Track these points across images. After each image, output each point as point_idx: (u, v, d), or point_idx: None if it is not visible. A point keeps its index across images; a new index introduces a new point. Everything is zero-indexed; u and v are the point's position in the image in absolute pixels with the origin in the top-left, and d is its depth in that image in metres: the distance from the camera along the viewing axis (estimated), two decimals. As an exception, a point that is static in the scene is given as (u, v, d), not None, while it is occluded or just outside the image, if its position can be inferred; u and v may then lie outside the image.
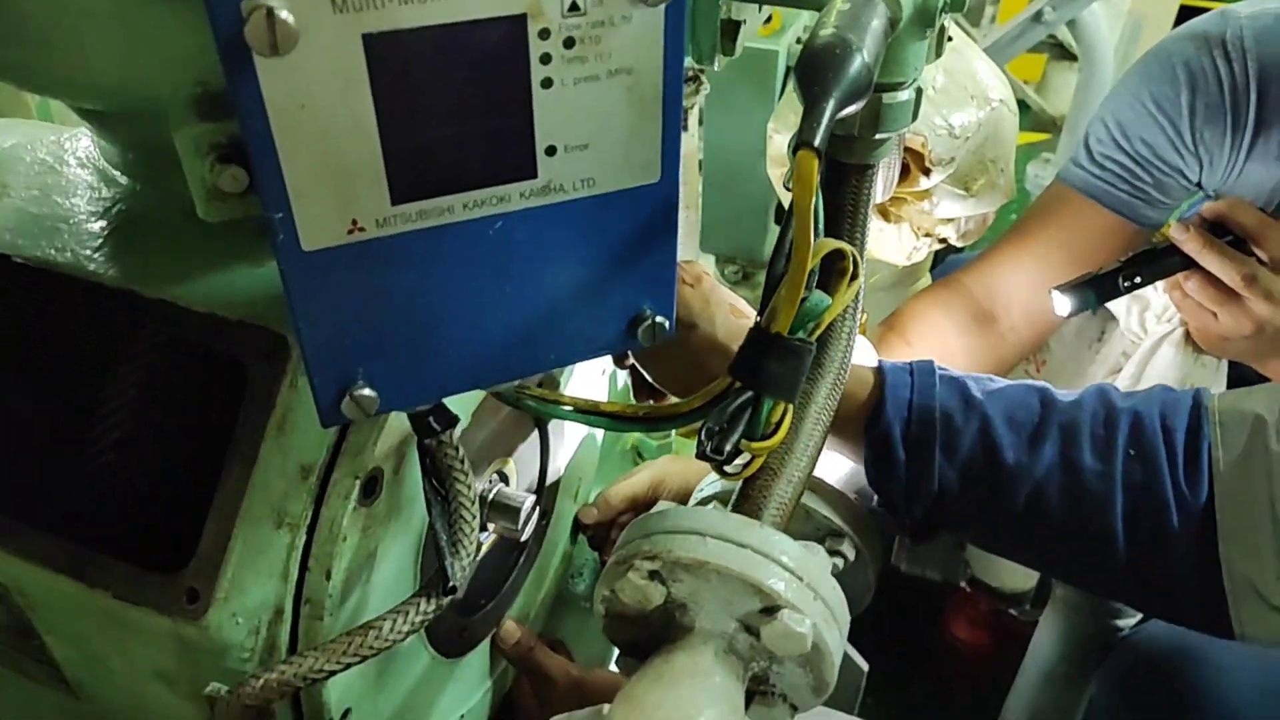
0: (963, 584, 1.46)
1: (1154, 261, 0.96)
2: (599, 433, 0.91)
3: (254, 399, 0.56)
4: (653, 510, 0.51)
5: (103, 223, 0.65)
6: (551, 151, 0.43)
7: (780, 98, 1.16)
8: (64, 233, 0.64)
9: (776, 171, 0.91)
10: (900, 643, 1.49)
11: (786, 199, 0.96)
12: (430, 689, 0.73)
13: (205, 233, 0.64)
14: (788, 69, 1.23)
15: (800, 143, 0.44)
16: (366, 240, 0.42)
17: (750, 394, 0.54)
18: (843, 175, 0.60)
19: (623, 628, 0.50)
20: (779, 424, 0.55)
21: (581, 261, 0.48)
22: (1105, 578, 0.63)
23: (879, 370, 0.68)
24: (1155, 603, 0.64)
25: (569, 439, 0.84)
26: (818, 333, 0.54)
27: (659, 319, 0.51)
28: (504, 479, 0.76)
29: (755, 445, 0.54)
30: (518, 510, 0.70)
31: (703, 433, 0.54)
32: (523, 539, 0.77)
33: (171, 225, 0.65)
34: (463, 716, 0.78)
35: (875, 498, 0.73)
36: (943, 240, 0.95)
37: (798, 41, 1.24)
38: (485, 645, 0.81)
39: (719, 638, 0.47)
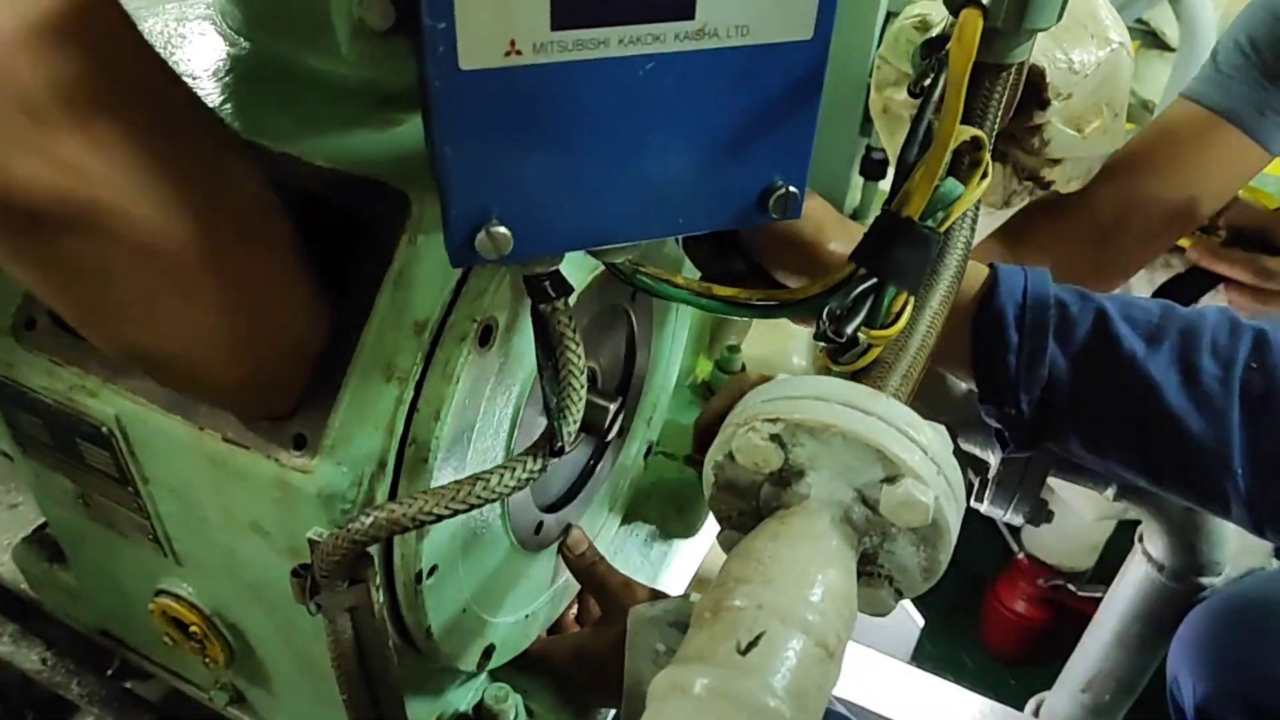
0: (1019, 555, 1.44)
1: (1185, 284, 1.01)
2: (676, 361, 0.91)
3: (372, 254, 0.56)
4: (771, 381, 0.50)
5: (226, 80, 0.66)
6: (712, -9, 0.42)
7: (877, 44, 1.14)
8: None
9: (884, 96, 0.90)
10: (949, 610, 1.47)
11: (890, 132, 0.94)
12: (503, 577, 0.73)
13: (325, 99, 0.65)
14: (888, 14, 1.21)
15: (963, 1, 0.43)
16: (521, 66, 0.42)
17: (874, 281, 0.53)
18: (976, 74, 0.59)
19: (730, 499, 0.50)
20: (899, 315, 0.54)
21: (723, 117, 0.47)
22: (1210, 487, 0.61)
23: (990, 266, 0.67)
24: (1264, 515, 0.62)
25: (655, 353, 0.84)
26: (947, 223, 0.53)
27: (792, 189, 0.50)
28: (592, 380, 0.76)
29: (874, 334, 0.54)
30: (606, 409, 0.70)
31: (824, 314, 0.53)
32: (608, 439, 0.77)
33: (292, 90, 0.66)
34: (528, 616, 0.79)
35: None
36: (1045, 186, 0.93)
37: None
38: (553, 555, 0.81)
39: (835, 506, 0.46)
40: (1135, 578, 0.88)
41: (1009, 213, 1.00)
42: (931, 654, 1.34)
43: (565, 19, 0.41)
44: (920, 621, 1.23)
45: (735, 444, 0.46)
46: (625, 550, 0.98)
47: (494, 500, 0.52)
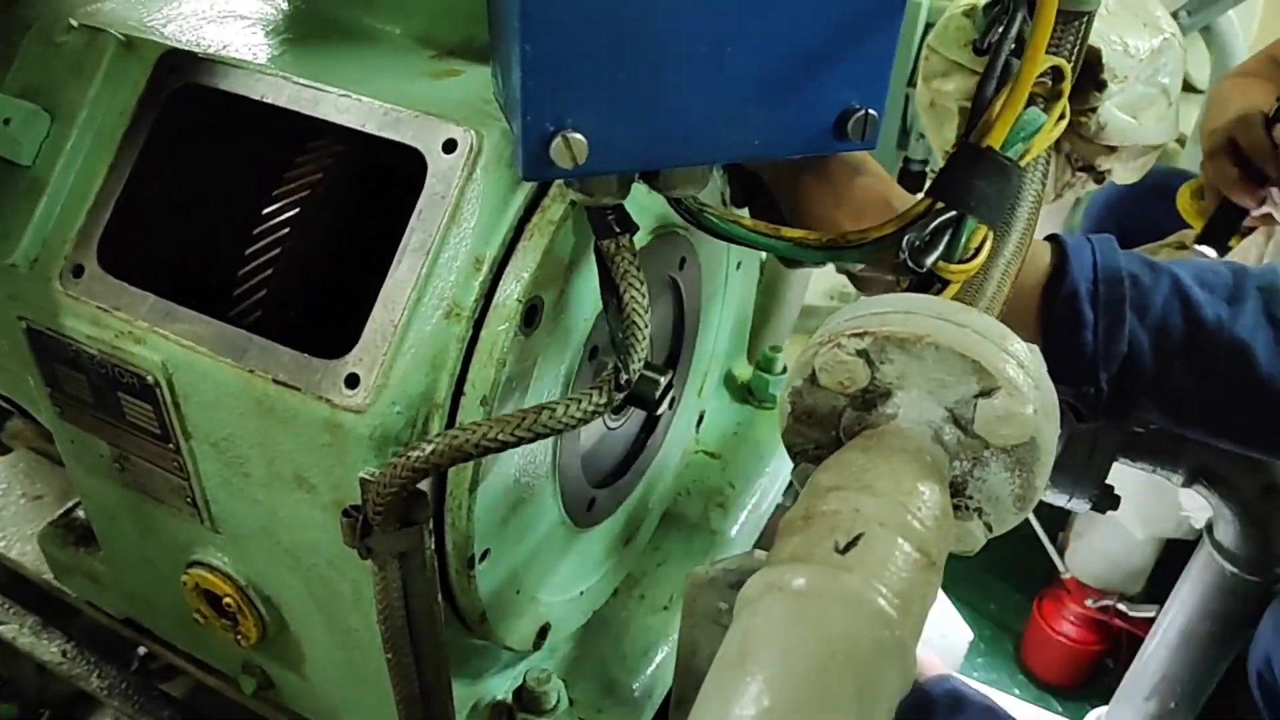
0: (1065, 575, 1.40)
1: (1227, 219, 1.12)
2: (727, 330, 0.89)
3: (431, 189, 0.55)
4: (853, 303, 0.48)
5: (284, 37, 0.66)
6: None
7: (918, 50, 1.15)
8: (245, 39, 0.64)
9: (931, 88, 0.89)
10: (992, 634, 1.42)
11: (937, 125, 0.94)
12: (555, 553, 0.71)
13: (383, 51, 0.65)
14: (927, 25, 1.22)
15: (1060, -100, 0.42)
16: (607, -42, 0.41)
17: (953, 214, 0.51)
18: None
19: (807, 429, 0.48)
20: (978, 250, 0.52)
21: (804, 33, 0.46)
22: None
23: (1054, 239, 0.65)
24: None
25: (703, 324, 0.82)
26: (1028, 156, 0.52)
27: (871, 112, 0.49)
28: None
29: (953, 268, 0.52)
30: (656, 381, 0.68)
31: (903, 244, 0.51)
32: (659, 412, 0.75)
33: (350, 44, 0.66)
34: (582, 593, 0.76)
35: None
36: (1100, 178, 0.92)
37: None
38: (604, 532, 0.79)
39: (925, 426, 0.44)
40: (1204, 573, 0.84)
41: (1063, 205, 0.99)
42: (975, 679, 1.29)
43: (654, -90, 0.40)
44: (969, 635, 1.19)
45: (819, 361, 0.44)
46: (666, 547, 0.95)
47: (559, 431, 0.50)
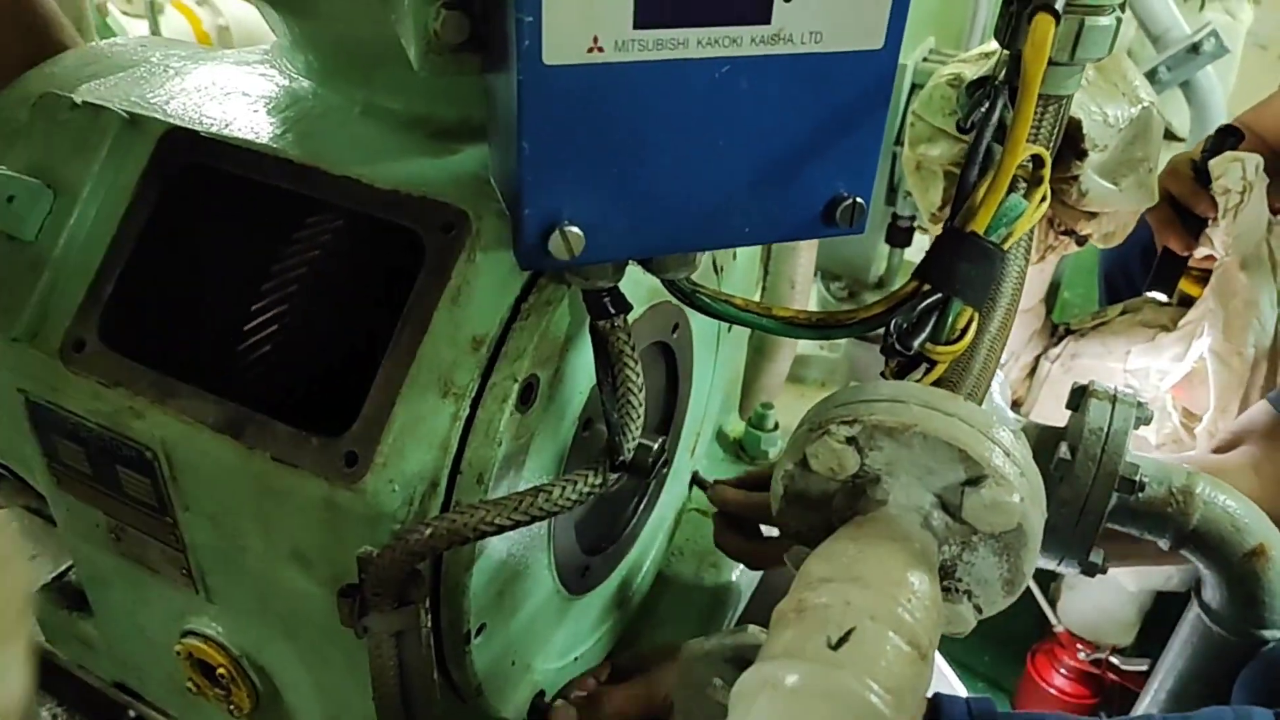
0: (1058, 628, 1.40)
1: (1173, 264, 1.19)
2: (719, 391, 0.90)
3: (430, 270, 0.56)
4: (842, 389, 0.49)
5: (285, 114, 0.67)
6: (789, -2, 0.44)
7: (905, 112, 1.17)
8: (247, 118, 0.66)
9: (917, 152, 0.92)
10: (985, 687, 1.42)
11: (923, 188, 0.96)
12: (549, 621, 0.71)
13: (382, 130, 0.66)
14: (913, 86, 1.25)
15: (1038, 5, 0.43)
16: (603, 64, 0.42)
17: (938, 296, 0.53)
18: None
19: (799, 511, 0.49)
20: (964, 331, 0.54)
21: (793, 125, 0.47)
22: None
23: (933, 698, 0.62)
24: None
25: (695, 387, 0.83)
26: (1011, 240, 0.53)
27: (858, 200, 0.50)
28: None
29: (940, 349, 0.53)
30: (649, 446, 0.69)
31: (890, 327, 0.52)
32: (651, 476, 0.75)
33: (350, 123, 0.67)
34: (576, 659, 0.76)
35: None
36: (1082, 241, 0.94)
37: (924, 59, 1.26)
38: (598, 597, 0.79)
39: (913, 512, 0.44)
40: (1192, 635, 0.85)
41: (1048, 266, 1.01)
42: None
43: (647, 18, 0.42)
44: (963, 690, 1.19)
45: (810, 449, 0.45)
46: (660, 608, 0.95)
47: (555, 513, 0.50)
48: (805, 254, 1.07)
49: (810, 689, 0.35)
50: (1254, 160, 1.07)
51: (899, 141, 1.29)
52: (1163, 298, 1.24)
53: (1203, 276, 1.19)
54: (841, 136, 0.49)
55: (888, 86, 0.48)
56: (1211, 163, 1.11)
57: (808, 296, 1.16)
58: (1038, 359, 1.30)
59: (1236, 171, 1.07)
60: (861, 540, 0.42)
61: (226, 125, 0.64)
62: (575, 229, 0.46)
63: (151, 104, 0.67)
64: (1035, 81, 0.45)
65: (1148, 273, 1.24)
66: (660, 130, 0.45)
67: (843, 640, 0.37)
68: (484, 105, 0.52)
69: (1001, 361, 0.71)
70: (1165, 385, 1.17)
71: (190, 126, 0.64)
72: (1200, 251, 1.15)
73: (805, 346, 1.52)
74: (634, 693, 0.69)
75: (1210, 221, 1.13)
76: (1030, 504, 0.44)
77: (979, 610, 0.47)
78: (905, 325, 0.52)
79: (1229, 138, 1.14)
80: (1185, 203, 1.14)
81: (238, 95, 0.69)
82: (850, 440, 0.45)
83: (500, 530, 0.49)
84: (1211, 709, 0.60)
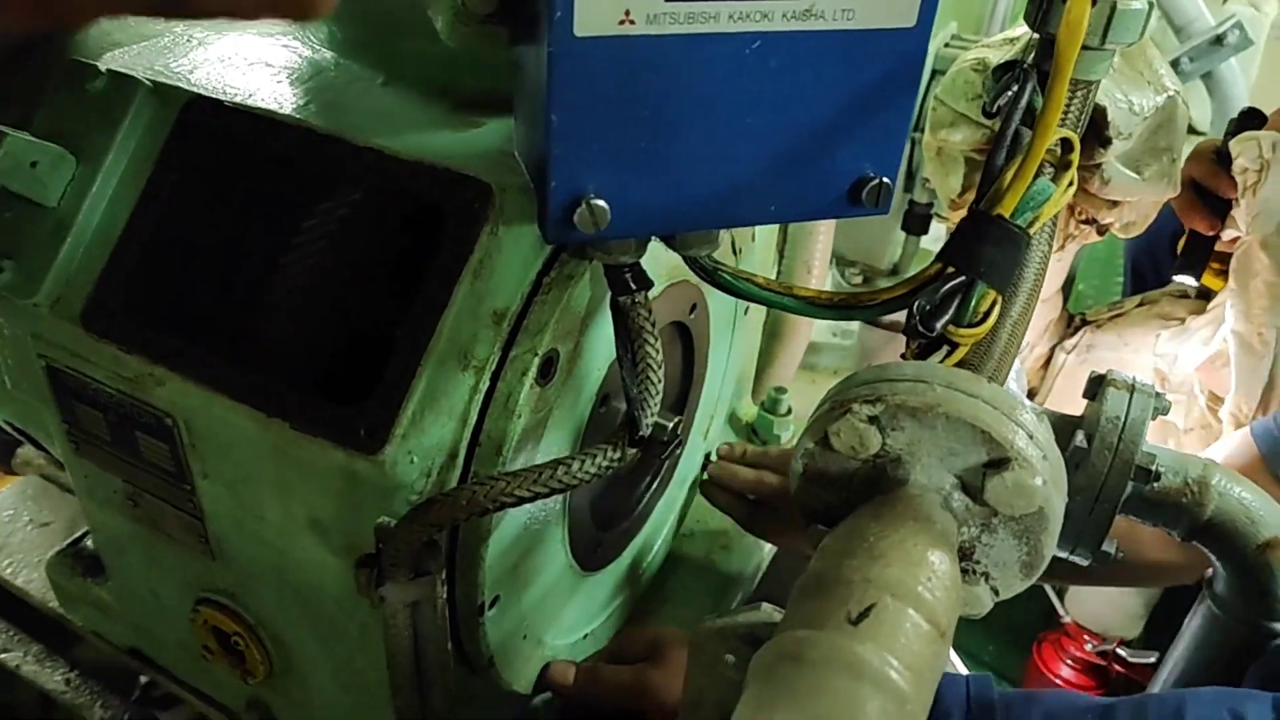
0: (1065, 619, 1.40)
1: (1199, 247, 1.18)
2: (734, 372, 0.90)
3: (452, 243, 0.56)
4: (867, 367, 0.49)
5: (308, 85, 0.67)
6: (823, -31, 0.43)
7: (925, 97, 1.17)
8: (270, 88, 0.66)
9: (938, 138, 0.91)
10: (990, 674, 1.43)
11: (944, 173, 0.95)
12: (561, 597, 0.71)
13: (406, 101, 0.66)
14: (934, 72, 1.24)
15: (1073, -14, 0.43)
16: (634, 36, 0.42)
17: (963, 279, 0.52)
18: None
19: (819, 491, 0.49)
20: (987, 314, 0.53)
21: (822, 103, 0.47)
22: None
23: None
24: None
25: (710, 369, 0.83)
26: (1036, 224, 0.53)
27: (885, 180, 0.50)
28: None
29: (962, 331, 0.53)
30: (665, 426, 0.69)
31: (913, 308, 0.52)
32: (667, 454, 0.75)
33: (373, 94, 0.67)
34: (586, 636, 0.76)
35: None
36: (1103, 230, 0.93)
37: (945, 45, 1.25)
38: (610, 574, 0.79)
39: (934, 493, 0.44)
40: (1203, 625, 0.85)
41: (1067, 256, 1.00)
42: None
43: (679, -10, 0.42)
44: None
45: (832, 427, 0.45)
46: (671, 587, 0.96)
47: (574, 486, 0.51)
48: (823, 238, 1.06)
49: (829, 662, 0.35)
50: (1270, 138, 1.06)
51: (918, 127, 1.28)
52: (1190, 281, 1.23)
53: (1225, 270, 1.18)
54: (870, 116, 0.48)
55: (918, 66, 0.48)
56: (1230, 143, 1.10)
57: (824, 281, 1.15)
58: (1053, 350, 1.30)
59: (1253, 150, 1.06)
60: (882, 519, 0.42)
61: (250, 95, 0.64)
62: (601, 203, 0.45)
63: (175, 73, 0.67)
64: (1069, 64, 0.45)
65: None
66: (689, 105, 0.45)
67: (863, 616, 0.37)
68: (509, 78, 0.52)
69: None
70: (1192, 368, 1.16)
71: (214, 96, 0.64)
72: (1228, 234, 1.15)
73: (818, 334, 1.51)
74: (625, 680, 0.70)
75: (1234, 204, 1.12)
76: (1052, 487, 0.44)
77: (996, 593, 0.47)
78: (928, 307, 0.52)
79: (1252, 120, 1.13)
80: (1206, 184, 1.14)
81: (261, 65, 0.69)
82: (873, 420, 0.45)
83: (520, 502, 0.49)
84: (1214, 688, 0.60)
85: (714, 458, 0.89)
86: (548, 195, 0.45)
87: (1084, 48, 0.58)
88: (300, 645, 0.69)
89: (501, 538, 0.59)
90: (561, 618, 0.72)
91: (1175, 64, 1.66)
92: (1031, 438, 0.43)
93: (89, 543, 0.88)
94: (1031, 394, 1.29)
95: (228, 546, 0.67)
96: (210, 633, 0.71)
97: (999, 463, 0.43)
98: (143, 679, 0.90)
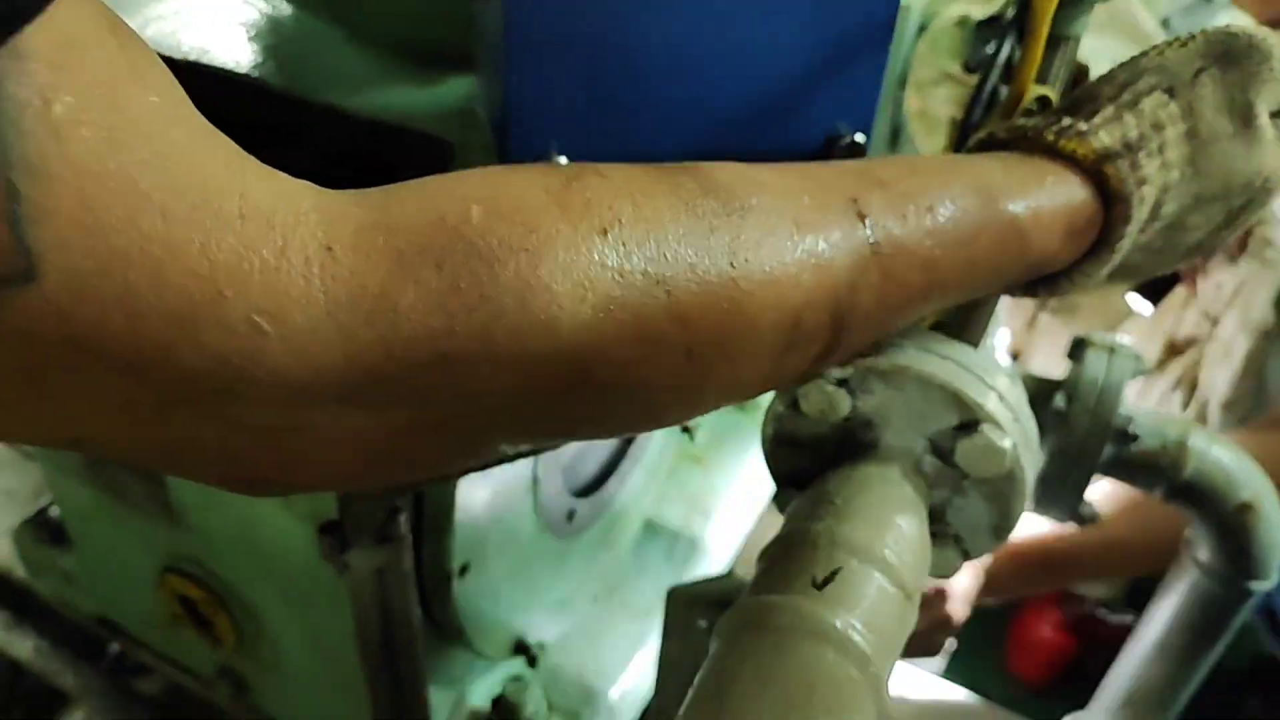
0: (1042, 581, 1.41)
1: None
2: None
3: (415, 203, 0.55)
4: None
5: (265, 41, 0.65)
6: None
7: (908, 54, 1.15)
8: (225, 44, 0.63)
9: (922, 95, 0.90)
10: (974, 638, 1.44)
11: (926, 132, 0.94)
12: (534, 563, 0.71)
13: (366, 57, 0.64)
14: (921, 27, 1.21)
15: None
16: (594, -19, 0.41)
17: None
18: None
19: (789, 454, 0.48)
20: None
21: (792, 52, 0.45)
22: None
23: None
24: None
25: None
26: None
27: (857, 139, 0.49)
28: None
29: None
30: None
31: None
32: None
33: (333, 49, 0.65)
34: (561, 602, 0.76)
35: None
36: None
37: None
38: (591, 541, 0.79)
39: (905, 456, 0.44)
40: (1182, 585, 0.85)
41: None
42: (956, 681, 1.31)
43: (641, -67, 0.40)
44: (937, 673, 1.21)
45: (801, 390, 0.44)
46: (647, 554, 0.95)
47: (535, 452, 0.50)
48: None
49: (794, 627, 0.35)
50: None
51: (903, 86, 1.26)
52: (1146, 303, 1.22)
53: None
54: (841, 70, 0.47)
55: (892, 20, 0.46)
56: None
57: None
58: (1035, 313, 1.30)
59: None
60: (851, 483, 0.41)
61: (204, 53, 0.62)
62: (564, 159, 0.44)
63: (127, 27, 0.64)
64: (1045, 19, 0.43)
65: None
66: (654, 57, 0.43)
67: (828, 580, 0.36)
68: (465, 32, 0.51)
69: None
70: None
71: (166, 54, 0.62)
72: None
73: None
74: None
75: None
76: (1024, 449, 0.43)
77: (966, 555, 0.46)
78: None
79: None
80: None
81: (217, 21, 0.66)
82: (842, 383, 0.43)
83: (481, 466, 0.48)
84: None
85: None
86: (509, 154, 0.44)
87: (1062, 2, 0.56)
88: (269, 613, 0.68)
89: (470, 503, 0.59)
90: (535, 584, 0.72)
91: (1164, 23, 1.64)
92: (1002, 399, 0.42)
93: (54, 511, 0.87)
94: (1015, 356, 1.28)
95: (194, 514, 0.66)
96: (178, 601, 0.70)
97: (969, 425, 0.42)
98: (113, 646, 0.89)
